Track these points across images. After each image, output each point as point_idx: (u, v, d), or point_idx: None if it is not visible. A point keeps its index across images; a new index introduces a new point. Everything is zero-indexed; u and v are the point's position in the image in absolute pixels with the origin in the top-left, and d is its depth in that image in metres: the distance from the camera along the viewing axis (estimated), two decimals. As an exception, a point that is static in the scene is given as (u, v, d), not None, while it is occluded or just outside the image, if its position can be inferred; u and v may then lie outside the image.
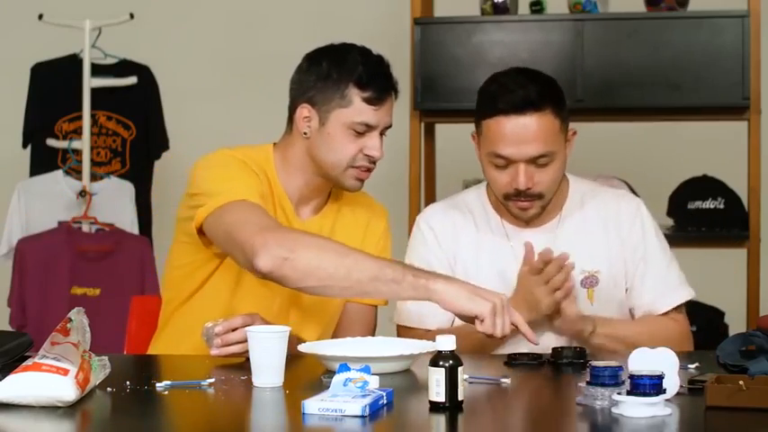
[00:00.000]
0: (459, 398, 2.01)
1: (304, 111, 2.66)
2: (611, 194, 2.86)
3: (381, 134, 2.68)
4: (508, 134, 2.66)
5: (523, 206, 2.72)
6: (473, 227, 2.81)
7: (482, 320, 2.35)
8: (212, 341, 2.46)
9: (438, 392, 2.00)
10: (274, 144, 2.75)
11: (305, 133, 2.67)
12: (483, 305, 2.35)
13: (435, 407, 2.00)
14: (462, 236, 2.80)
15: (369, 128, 2.64)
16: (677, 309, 2.79)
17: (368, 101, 2.63)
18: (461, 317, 2.41)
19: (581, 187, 2.84)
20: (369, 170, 2.67)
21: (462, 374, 2.02)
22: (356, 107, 2.63)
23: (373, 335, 2.80)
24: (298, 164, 2.70)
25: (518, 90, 2.67)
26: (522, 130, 2.65)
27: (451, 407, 2.00)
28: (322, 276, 2.40)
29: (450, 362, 2.00)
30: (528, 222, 2.78)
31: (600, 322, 2.68)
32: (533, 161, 2.67)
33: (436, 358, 2.02)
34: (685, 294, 2.79)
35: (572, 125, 2.80)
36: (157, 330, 2.80)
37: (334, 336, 2.77)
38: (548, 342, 2.63)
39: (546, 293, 2.62)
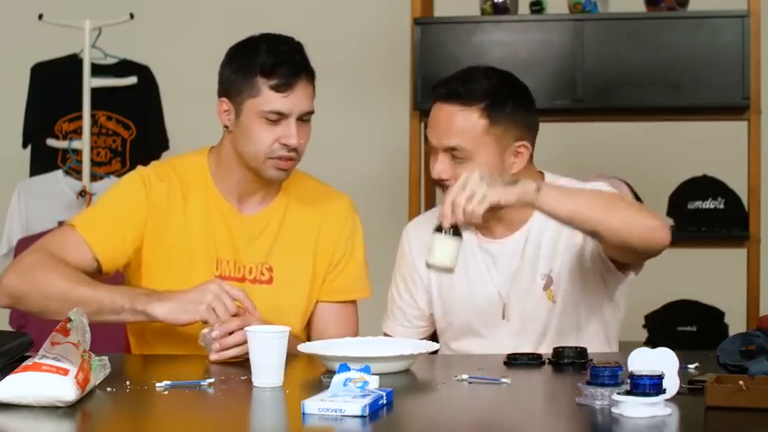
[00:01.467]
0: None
1: (223, 105, 2.70)
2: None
3: (304, 121, 2.66)
4: (432, 120, 2.70)
5: None
6: None
7: (205, 322, 2.46)
8: (210, 346, 2.46)
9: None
10: (211, 149, 2.78)
11: (226, 127, 2.70)
12: (197, 312, 2.47)
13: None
14: None
15: (281, 116, 2.63)
16: None
17: (275, 88, 2.63)
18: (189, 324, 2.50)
19: None
20: (290, 159, 2.66)
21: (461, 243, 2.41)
22: (264, 96, 2.63)
23: (356, 332, 2.79)
24: (230, 160, 2.72)
25: (456, 81, 2.69)
26: (441, 117, 2.67)
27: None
28: (51, 313, 2.49)
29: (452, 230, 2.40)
30: (495, 234, 2.75)
31: (543, 182, 2.53)
32: (450, 153, 2.65)
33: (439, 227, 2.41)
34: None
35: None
36: (135, 334, 2.81)
37: (313, 338, 2.75)
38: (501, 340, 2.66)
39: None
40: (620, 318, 2.80)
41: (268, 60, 2.63)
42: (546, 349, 2.62)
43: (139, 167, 2.77)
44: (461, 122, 2.64)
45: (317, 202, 2.79)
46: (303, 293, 2.74)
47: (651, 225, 2.51)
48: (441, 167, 2.66)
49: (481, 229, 2.76)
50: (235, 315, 2.48)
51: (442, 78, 2.74)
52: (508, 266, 2.72)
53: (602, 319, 2.75)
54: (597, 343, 2.72)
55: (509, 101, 2.67)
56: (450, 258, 2.47)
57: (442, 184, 2.67)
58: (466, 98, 2.65)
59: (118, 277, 2.75)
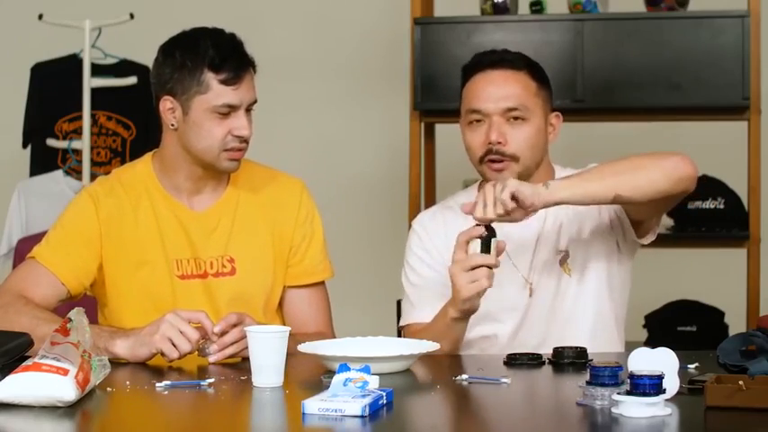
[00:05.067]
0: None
1: (167, 103, 2.69)
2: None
3: (249, 111, 2.69)
4: (483, 87, 2.75)
5: (498, 167, 2.71)
6: (463, 225, 2.81)
7: (163, 354, 2.44)
8: (207, 349, 2.46)
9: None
10: (154, 153, 2.79)
11: (172, 125, 2.69)
12: (152, 343, 2.44)
13: None
14: (453, 233, 2.79)
15: (232, 108, 2.65)
16: None
17: (225, 82, 2.64)
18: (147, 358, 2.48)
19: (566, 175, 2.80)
20: (241, 149, 2.68)
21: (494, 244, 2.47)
22: (215, 91, 2.64)
23: (330, 312, 2.82)
24: (176, 158, 2.72)
25: (498, 52, 2.80)
26: (496, 82, 2.74)
27: None
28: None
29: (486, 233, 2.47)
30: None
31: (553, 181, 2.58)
32: (506, 116, 2.71)
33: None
34: None
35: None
36: None
37: (293, 326, 2.72)
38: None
39: (467, 281, 2.51)
40: (627, 297, 2.84)
41: (216, 55, 2.64)
42: (559, 326, 2.69)
43: (86, 186, 2.81)
44: (518, 83, 2.74)
45: (268, 188, 2.81)
46: (267, 280, 2.76)
47: (672, 164, 2.56)
48: (498, 132, 2.70)
49: None
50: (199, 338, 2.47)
51: (475, 56, 2.82)
52: (527, 246, 2.73)
53: (612, 294, 2.78)
54: (607, 321, 2.76)
55: (544, 73, 2.81)
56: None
57: (498, 150, 2.70)
58: (515, 63, 2.76)
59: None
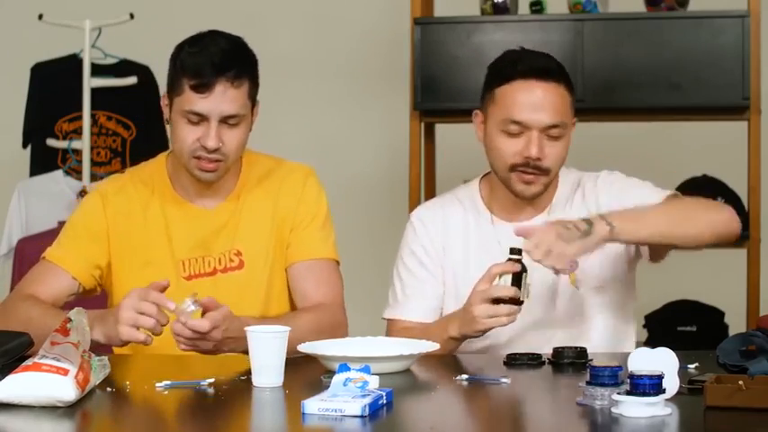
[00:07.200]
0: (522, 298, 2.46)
1: (165, 99, 2.69)
2: (588, 177, 2.80)
3: (230, 125, 2.61)
4: (527, 99, 2.64)
5: (529, 179, 2.66)
6: (462, 220, 2.79)
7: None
8: (192, 304, 2.40)
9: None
10: (168, 153, 2.78)
11: (167, 120, 2.69)
12: (121, 336, 2.40)
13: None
14: (451, 229, 2.78)
15: (201, 117, 2.60)
16: None
17: (194, 88, 2.59)
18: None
19: (570, 178, 2.79)
20: (214, 160, 2.62)
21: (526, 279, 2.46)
22: (186, 95, 2.61)
23: (339, 290, 2.75)
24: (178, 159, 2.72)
25: (540, 58, 2.70)
26: (540, 96, 2.64)
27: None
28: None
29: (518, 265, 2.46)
30: (516, 216, 2.74)
31: (610, 214, 2.52)
32: (546, 131, 2.64)
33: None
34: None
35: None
36: None
37: (297, 302, 2.73)
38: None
39: (485, 314, 2.49)
40: (632, 307, 2.81)
41: (189, 60, 2.62)
42: (561, 336, 2.66)
43: (97, 184, 2.83)
44: (560, 98, 2.67)
45: (273, 176, 2.78)
46: (273, 267, 2.72)
47: (724, 219, 2.59)
48: (539, 147, 2.62)
49: (504, 212, 2.76)
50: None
51: (510, 56, 2.73)
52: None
53: (620, 304, 2.76)
54: (617, 335, 2.74)
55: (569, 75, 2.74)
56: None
57: (535, 165, 2.64)
58: (556, 75, 2.68)
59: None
